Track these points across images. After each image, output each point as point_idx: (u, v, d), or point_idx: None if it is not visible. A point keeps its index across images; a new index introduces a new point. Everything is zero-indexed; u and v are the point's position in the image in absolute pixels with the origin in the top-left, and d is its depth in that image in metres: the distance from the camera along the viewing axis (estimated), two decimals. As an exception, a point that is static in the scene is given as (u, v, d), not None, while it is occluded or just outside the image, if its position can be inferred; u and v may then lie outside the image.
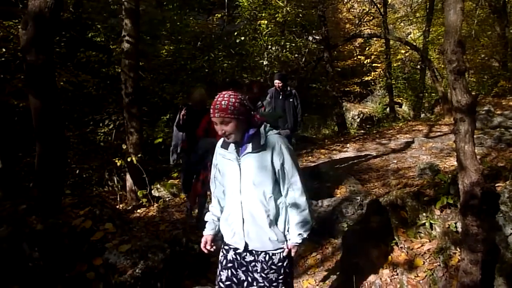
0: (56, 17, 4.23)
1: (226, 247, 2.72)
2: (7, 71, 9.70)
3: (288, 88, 7.20)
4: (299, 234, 2.55)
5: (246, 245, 2.60)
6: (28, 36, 4.04)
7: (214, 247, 2.78)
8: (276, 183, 2.55)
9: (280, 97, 7.05)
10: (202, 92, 6.02)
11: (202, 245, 2.77)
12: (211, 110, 2.46)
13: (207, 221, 2.82)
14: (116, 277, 3.76)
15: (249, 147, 2.50)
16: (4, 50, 9.84)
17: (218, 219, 2.78)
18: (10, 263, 3.59)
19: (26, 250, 3.72)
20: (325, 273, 4.23)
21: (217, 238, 2.82)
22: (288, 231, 2.59)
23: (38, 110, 4.21)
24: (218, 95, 2.49)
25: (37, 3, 4.01)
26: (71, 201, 4.89)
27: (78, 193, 6.15)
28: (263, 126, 2.55)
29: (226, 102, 2.42)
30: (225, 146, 2.62)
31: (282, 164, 2.50)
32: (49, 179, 4.38)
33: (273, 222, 2.55)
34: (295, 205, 2.55)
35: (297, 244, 2.58)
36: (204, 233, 2.80)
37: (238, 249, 2.64)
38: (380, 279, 3.70)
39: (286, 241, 2.59)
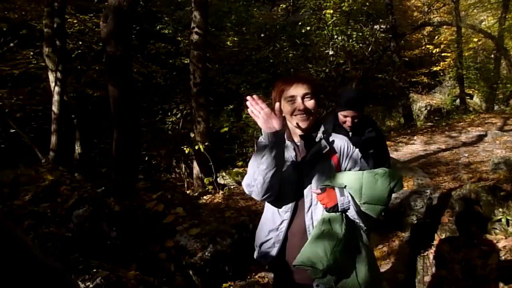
0: (133, 10, 4.45)
1: None
2: (83, 62, 10.30)
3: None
4: None
5: None
6: (108, 29, 4.27)
7: None
8: None
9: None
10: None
11: None
12: None
13: None
14: (186, 258, 3.93)
15: None
16: (80, 43, 10.45)
17: None
18: (91, 240, 3.87)
19: (105, 229, 3.99)
20: (392, 266, 4.17)
21: None
22: None
23: (117, 99, 4.45)
24: None
25: (117, -3, 4.23)
26: (144, 185, 5.15)
27: (149, 178, 6.45)
28: None
29: None
30: None
31: None
32: (125, 164, 4.64)
33: None
34: None
35: None
36: None
37: None
38: (451, 274, 3.60)
39: None
